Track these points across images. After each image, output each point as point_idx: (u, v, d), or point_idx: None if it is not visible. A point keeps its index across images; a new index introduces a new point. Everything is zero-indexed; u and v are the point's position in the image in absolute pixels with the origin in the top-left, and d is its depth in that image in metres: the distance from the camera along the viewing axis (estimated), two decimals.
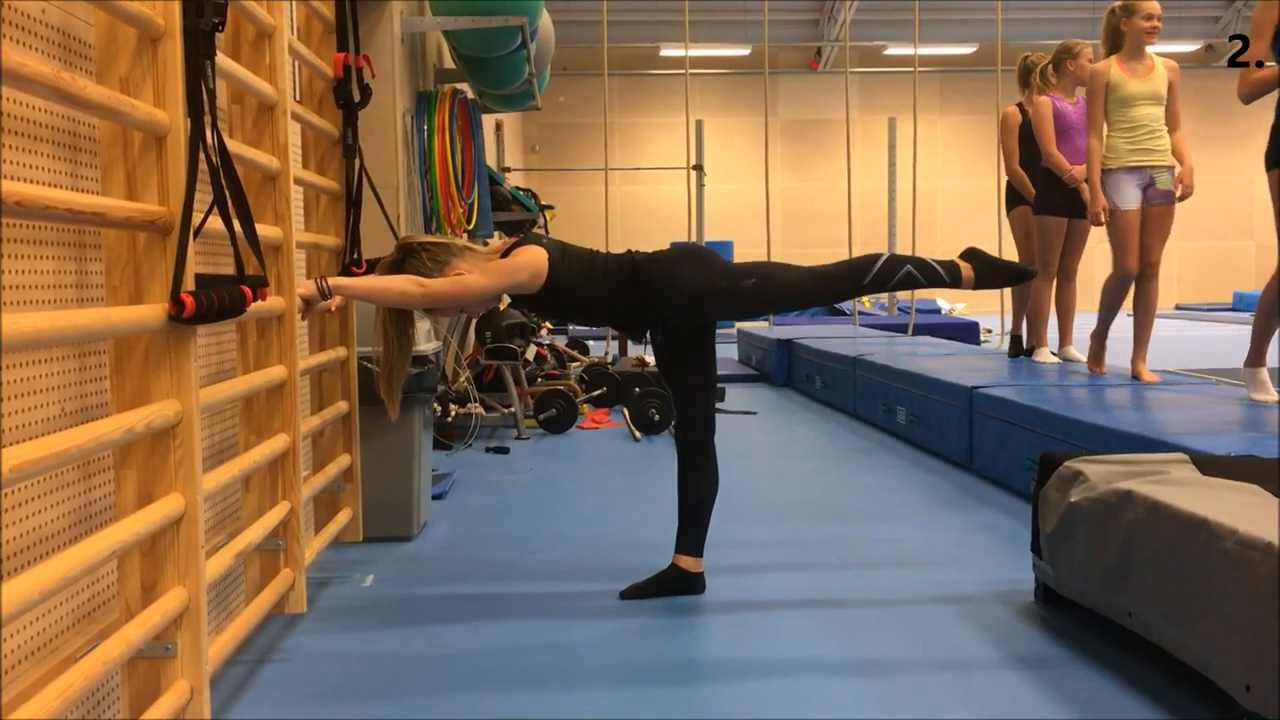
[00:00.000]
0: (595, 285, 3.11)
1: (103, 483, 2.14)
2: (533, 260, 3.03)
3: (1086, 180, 5.93)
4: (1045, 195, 6.00)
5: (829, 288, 3.19)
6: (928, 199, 18.76)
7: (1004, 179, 6.83)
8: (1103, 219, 5.14)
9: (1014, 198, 6.54)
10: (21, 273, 1.85)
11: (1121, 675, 2.57)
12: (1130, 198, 5.11)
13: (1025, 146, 6.34)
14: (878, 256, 3.17)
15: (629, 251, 3.22)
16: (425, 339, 3.92)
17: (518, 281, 3.03)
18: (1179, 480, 2.66)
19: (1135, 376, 5.20)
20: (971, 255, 3.25)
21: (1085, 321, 5.98)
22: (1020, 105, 6.45)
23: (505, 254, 3.06)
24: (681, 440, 3.35)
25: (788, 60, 20.67)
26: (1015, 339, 6.49)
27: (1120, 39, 5.17)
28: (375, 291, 2.98)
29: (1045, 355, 6.24)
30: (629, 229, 18.83)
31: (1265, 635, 2.08)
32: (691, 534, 3.30)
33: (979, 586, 3.29)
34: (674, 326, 3.23)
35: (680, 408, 3.34)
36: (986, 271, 3.23)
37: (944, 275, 3.19)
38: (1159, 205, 5.18)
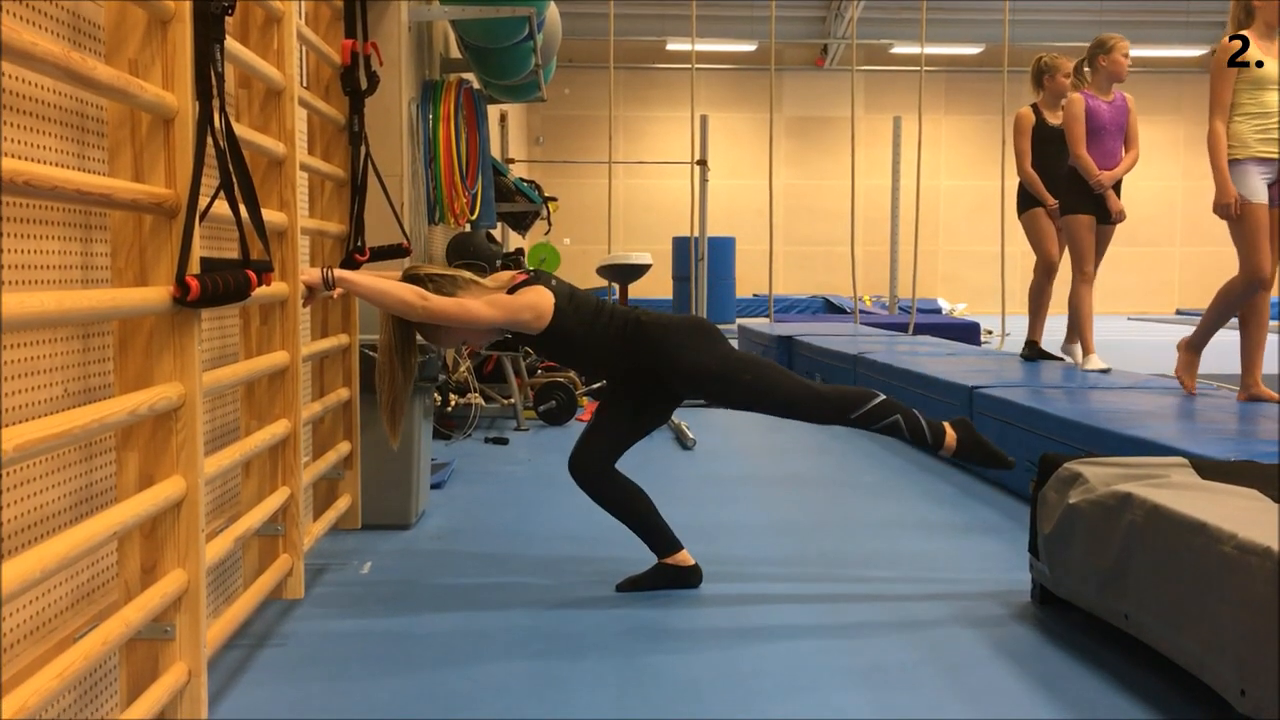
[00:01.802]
0: (597, 337, 3.13)
1: (104, 464, 2.15)
2: (538, 301, 3.04)
3: (1110, 185, 5.69)
4: (1071, 194, 5.81)
5: (817, 408, 3.19)
6: (931, 199, 18.74)
7: (1011, 181, 6.79)
8: (1232, 212, 4.52)
9: (1025, 200, 6.38)
10: (27, 252, 1.85)
11: (1117, 677, 2.58)
12: (1260, 190, 4.52)
13: (1039, 148, 6.22)
14: (874, 395, 3.18)
15: (635, 309, 3.23)
16: None
17: (520, 320, 3.04)
18: (1178, 484, 2.67)
19: (1256, 398, 4.65)
20: (960, 426, 3.24)
21: (1100, 325, 5.97)
22: (1035, 106, 6.32)
23: (512, 290, 3.07)
24: (581, 471, 3.27)
25: (794, 57, 20.65)
26: (1031, 343, 6.41)
27: (1251, 16, 4.57)
28: (378, 293, 2.98)
29: (1095, 363, 5.88)
30: (632, 223, 18.86)
31: (1261, 640, 2.08)
32: (659, 539, 3.30)
33: (976, 586, 3.30)
34: (654, 385, 3.24)
35: (591, 440, 3.29)
36: (968, 447, 3.23)
37: (927, 435, 3.18)
38: None
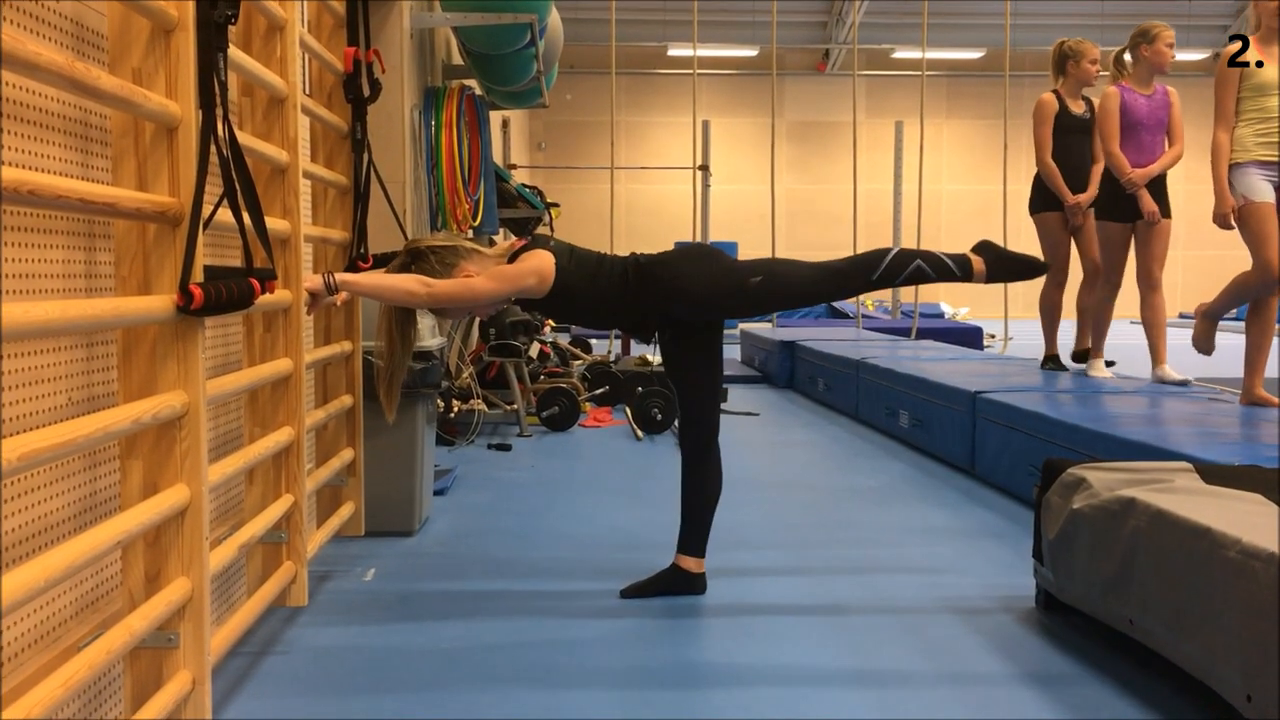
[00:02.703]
0: (602, 288, 3.11)
1: (108, 472, 2.15)
2: (540, 265, 3.03)
3: (1144, 183, 5.32)
4: (1105, 197, 5.50)
5: (837, 284, 3.17)
6: (933, 203, 18.72)
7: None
8: (1230, 221, 4.55)
9: (1040, 198, 5.96)
10: (31, 261, 1.85)
11: (1122, 683, 2.57)
12: (1262, 189, 4.50)
13: (1060, 139, 5.81)
14: (886, 251, 3.14)
15: (633, 254, 3.22)
16: (430, 335, 3.92)
17: (524, 286, 3.03)
18: (1182, 489, 2.66)
19: (1255, 402, 4.64)
20: (983, 249, 3.21)
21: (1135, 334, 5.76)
22: (1056, 92, 5.89)
23: (513, 257, 3.07)
24: (684, 440, 3.34)
25: (795, 62, 20.67)
26: (1081, 355, 6.01)
27: (1260, 22, 4.59)
28: (381, 289, 2.99)
29: (1100, 369, 5.70)
30: (634, 228, 18.86)
31: (1266, 645, 2.08)
32: (694, 535, 3.30)
33: (980, 592, 3.29)
34: (681, 326, 3.23)
35: (684, 407, 3.33)
36: (998, 265, 3.18)
37: (954, 269, 3.14)
38: None
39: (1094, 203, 5.68)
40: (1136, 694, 2.51)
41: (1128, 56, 5.56)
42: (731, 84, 20.48)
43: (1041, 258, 5.99)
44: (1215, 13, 19.26)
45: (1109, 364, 5.85)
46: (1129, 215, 5.43)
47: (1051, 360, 6.08)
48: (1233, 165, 4.56)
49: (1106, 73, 5.70)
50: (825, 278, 3.14)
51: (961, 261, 3.16)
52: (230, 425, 2.90)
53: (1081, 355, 5.96)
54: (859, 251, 3.22)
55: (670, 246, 3.47)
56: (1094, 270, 5.87)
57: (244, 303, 2.11)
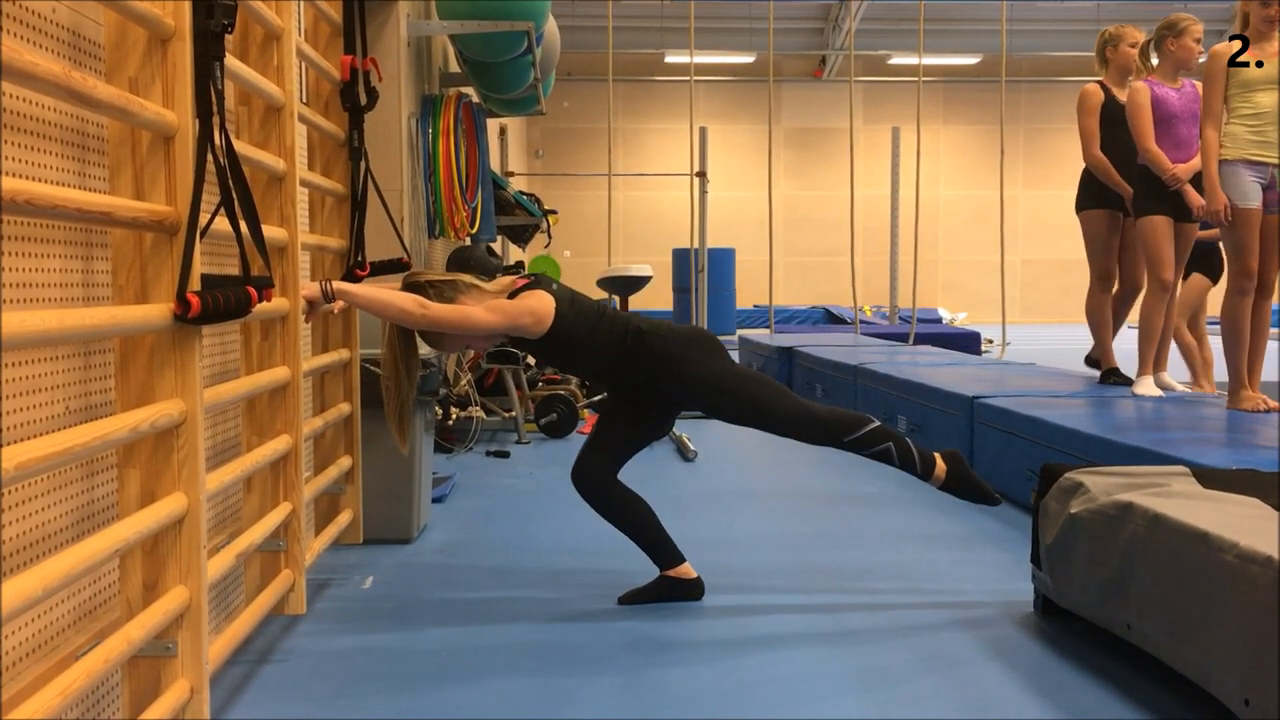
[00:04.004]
0: (597, 343, 3.14)
1: (106, 481, 2.15)
2: (538, 306, 3.05)
3: (1187, 179, 5.02)
4: (1144, 194, 5.16)
5: (811, 430, 3.21)
6: (930, 209, 18.76)
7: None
8: (1225, 217, 4.50)
9: (1088, 195, 5.62)
10: (29, 270, 1.86)
11: (1120, 687, 2.57)
12: (1251, 194, 4.50)
13: (1108, 130, 5.47)
14: (868, 420, 3.21)
15: (635, 317, 3.24)
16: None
17: (520, 324, 3.05)
18: (1179, 493, 2.67)
19: (1242, 406, 4.60)
20: (951, 459, 3.26)
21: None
22: (1102, 83, 5.58)
23: (513, 294, 3.08)
24: (585, 482, 3.29)
25: (792, 68, 20.70)
26: (1095, 361, 5.75)
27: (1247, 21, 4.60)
28: (377, 303, 2.99)
29: (1148, 386, 5.21)
30: (631, 235, 18.89)
31: (1265, 649, 2.08)
32: (658, 551, 3.30)
33: (978, 597, 3.29)
34: (656, 397, 3.26)
35: (593, 451, 3.31)
36: (956, 479, 3.25)
37: (917, 464, 3.21)
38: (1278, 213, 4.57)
39: (1132, 201, 5.33)
40: (1135, 698, 2.51)
41: (1153, 51, 5.37)
42: (729, 90, 20.50)
43: (1088, 264, 5.71)
44: (1209, 16, 19.28)
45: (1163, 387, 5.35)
46: (1168, 210, 5.13)
47: (1113, 374, 5.61)
48: (1224, 161, 4.55)
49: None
50: (804, 419, 3.19)
51: (927, 460, 3.22)
52: (228, 433, 2.90)
53: (1094, 363, 5.71)
54: (846, 411, 3.30)
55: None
56: (1104, 278, 5.65)
57: (241, 311, 2.11)
